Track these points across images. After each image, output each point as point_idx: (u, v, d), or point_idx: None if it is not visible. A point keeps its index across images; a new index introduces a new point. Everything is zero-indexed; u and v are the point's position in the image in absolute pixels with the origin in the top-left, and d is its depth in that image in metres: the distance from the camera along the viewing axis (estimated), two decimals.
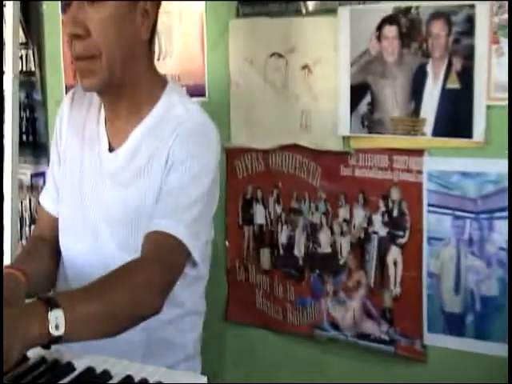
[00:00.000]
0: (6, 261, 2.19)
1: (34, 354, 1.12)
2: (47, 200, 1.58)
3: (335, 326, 1.81)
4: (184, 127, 1.41)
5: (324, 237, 1.81)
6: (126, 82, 1.41)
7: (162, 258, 1.31)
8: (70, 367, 1.08)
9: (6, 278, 1.32)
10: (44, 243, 1.55)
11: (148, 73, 1.45)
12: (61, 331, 1.06)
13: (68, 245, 1.52)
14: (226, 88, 1.92)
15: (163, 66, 1.93)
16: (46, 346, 1.08)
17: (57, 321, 1.05)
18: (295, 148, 1.83)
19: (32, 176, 2.36)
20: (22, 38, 2.30)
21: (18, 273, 1.34)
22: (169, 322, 1.35)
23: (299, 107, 1.80)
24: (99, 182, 1.47)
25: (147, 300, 1.24)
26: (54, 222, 1.56)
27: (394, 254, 1.71)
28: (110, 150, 1.47)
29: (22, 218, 2.33)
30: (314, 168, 1.80)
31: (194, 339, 1.55)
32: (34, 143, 2.36)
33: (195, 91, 1.96)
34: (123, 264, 1.26)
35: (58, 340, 1.06)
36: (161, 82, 1.48)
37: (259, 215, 1.92)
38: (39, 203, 1.61)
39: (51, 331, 1.05)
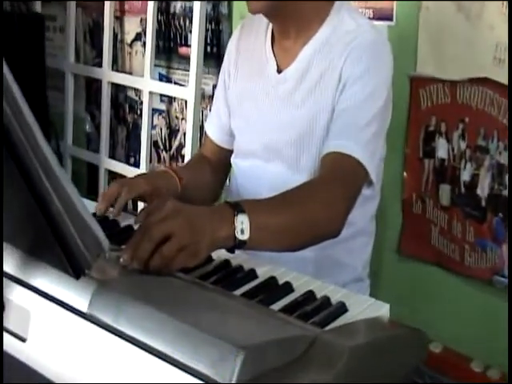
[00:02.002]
0: None
1: (217, 256, 1.14)
2: (212, 128, 1.64)
3: None
4: (356, 43, 1.37)
5: None
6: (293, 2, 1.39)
7: (342, 178, 1.30)
8: (253, 274, 1.09)
9: (160, 174, 1.40)
10: (207, 162, 1.61)
11: None
12: (245, 236, 1.07)
13: (240, 164, 1.56)
14: (414, 13, 1.81)
15: None
16: (231, 250, 1.10)
17: (242, 225, 1.07)
18: (486, 82, 1.69)
19: (214, 86, 2.40)
20: None
21: (173, 173, 1.40)
22: (339, 241, 1.34)
23: (494, 39, 1.66)
24: (269, 103, 1.48)
25: (329, 220, 1.25)
26: (217, 150, 1.62)
27: None
28: (279, 71, 1.46)
29: (201, 127, 2.39)
30: (505, 105, 1.67)
31: (363, 260, 1.55)
32: (218, 55, 2.39)
33: (382, 15, 1.87)
34: (305, 182, 1.28)
35: (242, 245, 1.08)
36: None
37: (441, 149, 1.82)
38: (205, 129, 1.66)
39: (237, 235, 1.07)
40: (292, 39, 1.44)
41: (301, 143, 1.42)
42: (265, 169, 1.49)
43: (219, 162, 1.62)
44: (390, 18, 1.87)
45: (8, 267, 0.98)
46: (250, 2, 1.38)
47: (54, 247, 0.90)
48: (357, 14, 1.46)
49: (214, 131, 1.63)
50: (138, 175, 1.43)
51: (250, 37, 1.54)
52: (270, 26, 1.50)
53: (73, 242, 0.87)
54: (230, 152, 1.60)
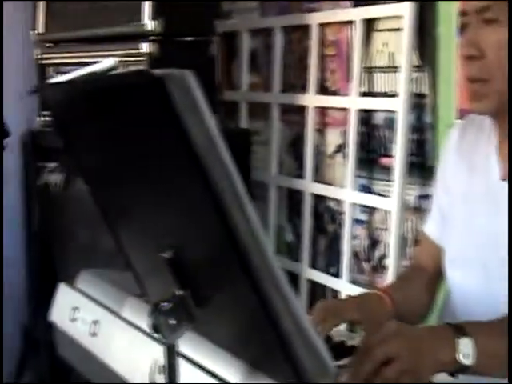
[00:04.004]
0: (389, 279, 2.24)
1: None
2: (431, 228, 1.56)
3: None
4: None
5: None
6: None
7: None
8: None
9: (372, 298, 1.33)
10: (420, 273, 1.54)
11: None
12: (469, 361, 1.03)
13: (455, 279, 1.48)
14: None
15: None
16: (452, 374, 1.06)
17: (466, 349, 1.03)
18: None
19: (417, 198, 2.36)
20: (415, 60, 2.32)
21: (385, 296, 1.34)
22: None
23: None
24: (491, 214, 1.39)
25: None
26: (436, 252, 1.52)
27: None
28: (503, 178, 1.39)
29: (404, 239, 2.34)
30: None
31: None
32: (422, 165, 2.36)
33: None
34: None
35: (465, 369, 1.03)
36: None
37: None
38: (422, 230, 1.60)
39: (460, 359, 1.02)
40: None
41: None
42: (484, 287, 1.40)
43: (434, 270, 1.54)
44: None
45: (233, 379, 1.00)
46: (474, 102, 1.36)
47: (279, 363, 0.90)
48: None
49: (433, 230, 1.56)
50: (347, 298, 1.40)
51: (471, 136, 1.50)
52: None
53: (299, 362, 0.86)
54: None
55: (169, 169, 0.96)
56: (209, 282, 1.04)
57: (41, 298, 2.82)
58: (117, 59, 1.26)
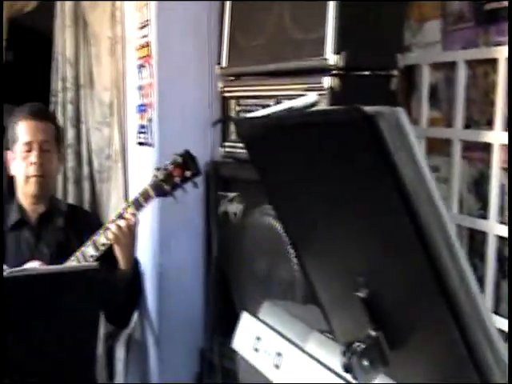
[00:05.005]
0: None
1: None
2: None
3: None
4: None
5: None
6: None
7: None
8: None
9: None
10: None
11: None
12: None
13: None
14: None
15: None
16: None
17: None
18: None
19: None
20: None
21: None
22: None
23: None
24: None
25: None
26: None
27: None
28: None
29: None
30: None
31: None
32: None
33: None
34: None
35: None
36: None
37: None
38: None
39: None
40: None
41: None
42: None
43: None
44: None
45: None
46: None
47: None
48: None
49: None
50: None
51: None
52: None
53: None
54: None
55: (373, 205, 0.94)
56: (406, 324, 1.00)
57: (217, 324, 2.89)
58: (317, 94, 1.27)
